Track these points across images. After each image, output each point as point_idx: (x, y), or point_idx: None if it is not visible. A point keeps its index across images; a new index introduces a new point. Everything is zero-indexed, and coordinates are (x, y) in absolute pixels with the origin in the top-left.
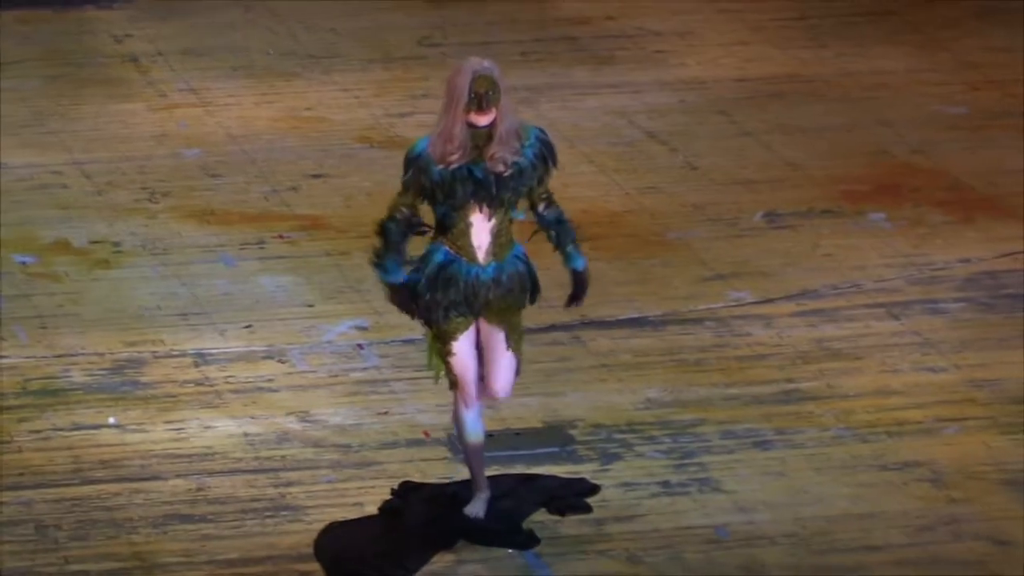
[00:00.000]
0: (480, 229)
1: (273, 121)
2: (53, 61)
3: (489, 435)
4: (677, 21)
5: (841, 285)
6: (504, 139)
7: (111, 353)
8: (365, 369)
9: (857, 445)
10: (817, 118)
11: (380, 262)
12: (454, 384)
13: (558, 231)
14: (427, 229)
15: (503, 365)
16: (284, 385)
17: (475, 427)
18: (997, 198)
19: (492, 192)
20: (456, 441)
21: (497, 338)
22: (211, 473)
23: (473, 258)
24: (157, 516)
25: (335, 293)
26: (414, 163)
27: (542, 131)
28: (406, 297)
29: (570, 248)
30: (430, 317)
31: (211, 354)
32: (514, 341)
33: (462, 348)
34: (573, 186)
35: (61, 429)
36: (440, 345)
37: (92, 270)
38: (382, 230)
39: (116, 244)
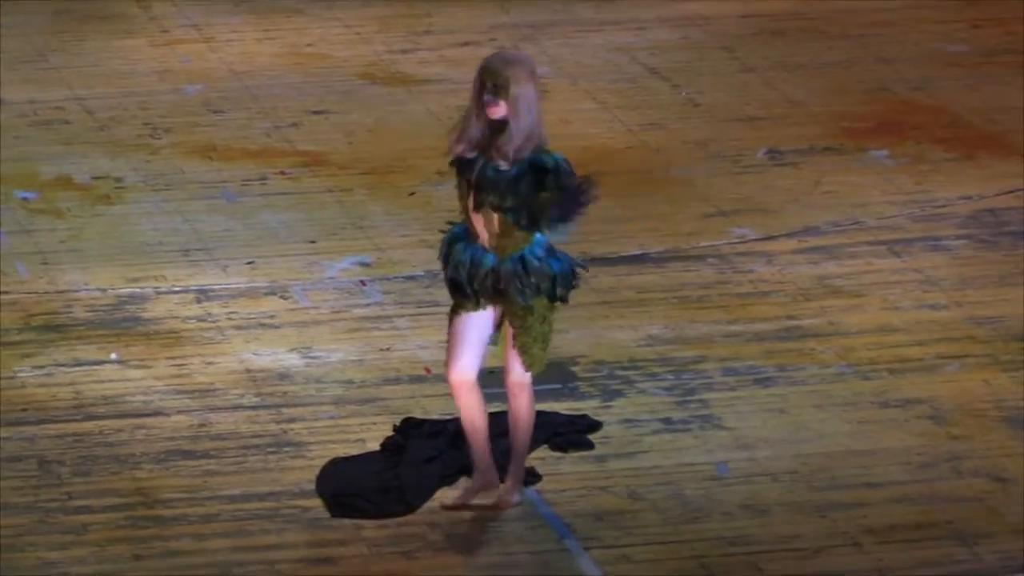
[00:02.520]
0: (474, 219)
1: (275, 57)
2: None
3: (491, 372)
4: None
5: (843, 222)
6: (513, 137)
7: (113, 289)
8: (367, 305)
9: (858, 382)
10: (819, 55)
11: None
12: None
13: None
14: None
15: (510, 356)
16: (286, 321)
17: (465, 411)
18: (998, 135)
19: (470, 185)
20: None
21: (510, 331)
22: (213, 409)
23: (477, 239)
24: (159, 452)
25: (337, 229)
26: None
27: (557, 159)
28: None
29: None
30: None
31: (213, 290)
32: (521, 341)
33: (461, 320)
34: (575, 123)
35: (63, 365)
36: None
37: (94, 206)
38: None
39: (118, 180)
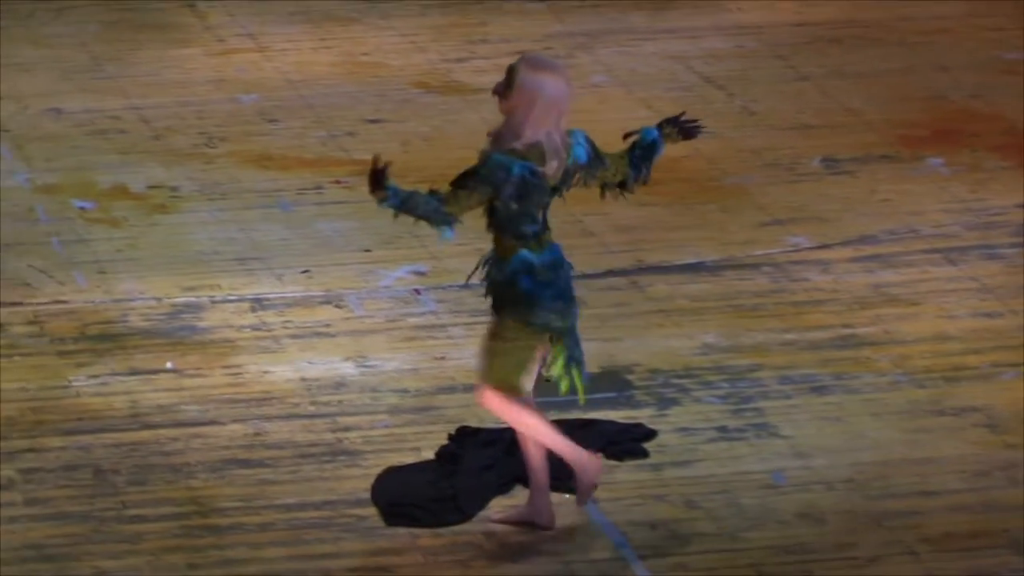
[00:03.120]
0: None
1: (330, 66)
2: (111, 6)
3: (547, 380)
4: None
5: (898, 230)
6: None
7: (169, 298)
8: (422, 314)
9: (914, 390)
10: (874, 63)
11: None
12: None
13: None
14: None
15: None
16: (341, 330)
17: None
18: None
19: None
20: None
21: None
22: (268, 418)
23: None
24: (214, 461)
25: (392, 238)
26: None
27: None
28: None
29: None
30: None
31: (268, 299)
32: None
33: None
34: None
35: (119, 374)
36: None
37: (150, 215)
38: None
39: (174, 189)
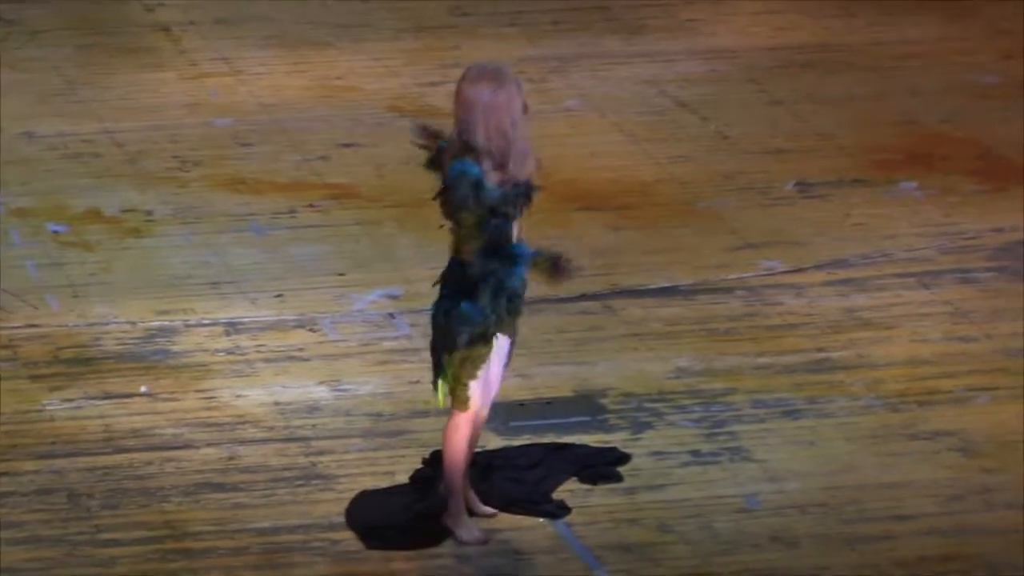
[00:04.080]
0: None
1: (304, 90)
2: (84, 30)
3: (520, 404)
4: None
5: (872, 254)
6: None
7: (143, 322)
8: (396, 338)
9: (888, 414)
10: (848, 87)
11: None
12: (466, 406)
13: None
14: None
15: (496, 383)
16: (315, 354)
17: (471, 437)
18: None
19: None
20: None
21: (504, 353)
22: (242, 442)
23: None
24: (188, 485)
25: (366, 262)
26: (471, 184)
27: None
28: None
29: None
30: (500, 327)
31: (242, 323)
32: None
33: (492, 354)
34: (604, 155)
35: (93, 398)
36: (473, 368)
37: (124, 239)
38: None
39: (148, 213)
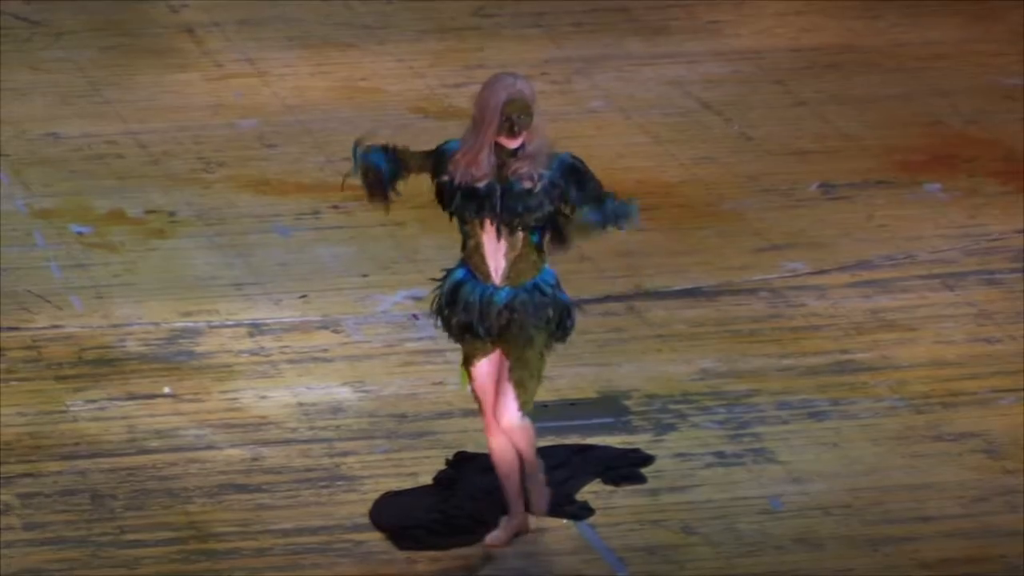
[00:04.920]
0: (492, 249)
1: (328, 91)
2: (108, 31)
3: (544, 406)
4: None
5: (896, 256)
6: (531, 154)
7: (166, 323)
8: (420, 339)
9: (911, 416)
10: (872, 88)
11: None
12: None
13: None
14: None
15: (504, 395)
16: (339, 355)
17: (502, 454)
18: None
19: (496, 210)
20: None
21: (505, 366)
22: (266, 443)
23: (488, 278)
24: (212, 486)
25: (390, 263)
26: (436, 154)
27: (571, 156)
28: (376, 180)
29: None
30: (449, 334)
31: (266, 324)
32: (518, 374)
33: (480, 372)
34: (628, 156)
35: (116, 399)
36: (462, 365)
37: (148, 240)
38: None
39: (171, 214)
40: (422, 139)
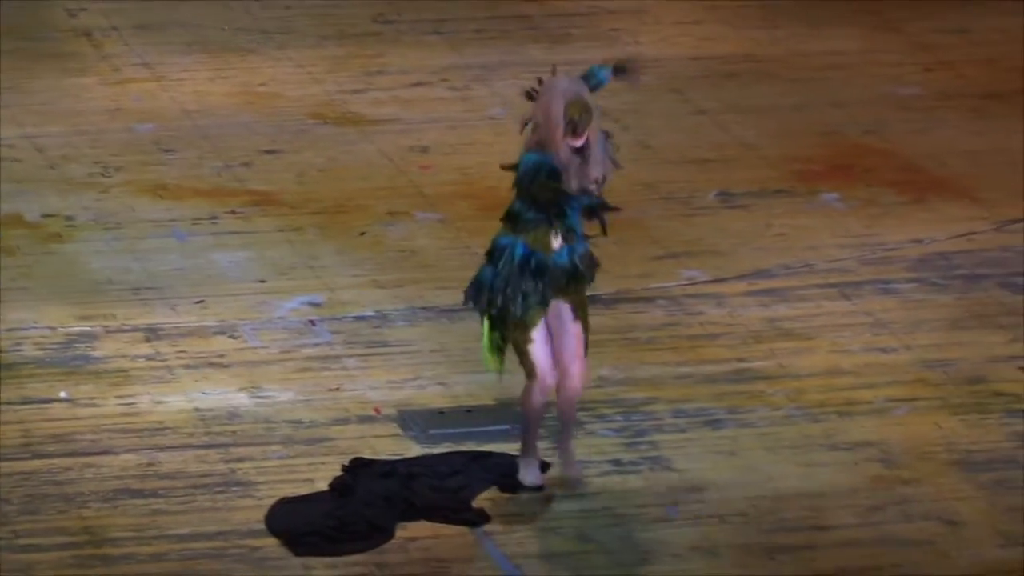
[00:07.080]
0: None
1: (227, 96)
2: (6, 35)
3: (440, 412)
4: None
5: (793, 265)
6: (598, 158)
7: (63, 327)
8: (317, 345)
9: (808, 425)
10: (771, 98)
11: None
12: (531, 374)
13: None
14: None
15: (573, 341)
16: (235, 361)
17: (540, 407)
18: (949, 179)
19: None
20: (409, 420)
21: (565, 313)
22: (162, 448)
23: (548, 248)
24: (107, 491)
25: (287, 269)
26: (555, 175)
27: (607, 134)
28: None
29: None
30: (508, 309)
31: (163, 329)
32: (583, 314)
33: (540, 336)
34: None
35: (12, 403)
36: (520, 335)
37: (45, 244)
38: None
39: (69, 218)
40: (321, 145)
